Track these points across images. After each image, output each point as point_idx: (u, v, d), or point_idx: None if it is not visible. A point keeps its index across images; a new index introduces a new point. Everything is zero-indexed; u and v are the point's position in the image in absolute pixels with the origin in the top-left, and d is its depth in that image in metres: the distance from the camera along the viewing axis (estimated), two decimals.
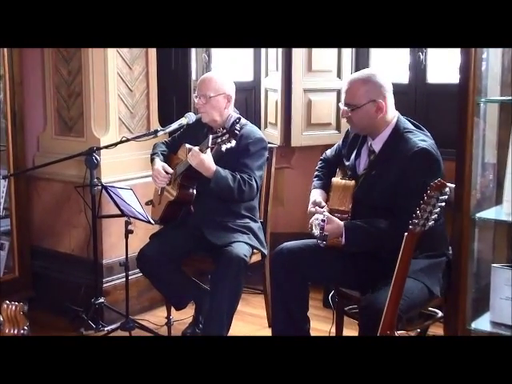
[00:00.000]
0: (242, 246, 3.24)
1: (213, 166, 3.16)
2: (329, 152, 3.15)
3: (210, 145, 3.04)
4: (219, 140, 3.03)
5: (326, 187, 2.98)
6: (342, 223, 2.71)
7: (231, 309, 3.23)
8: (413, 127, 2.80)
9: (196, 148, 3.15)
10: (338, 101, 4.36)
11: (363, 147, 2.90)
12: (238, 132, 3.02)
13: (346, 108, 2.79)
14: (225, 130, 3.03)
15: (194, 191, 3.33)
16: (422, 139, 2.71)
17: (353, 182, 2.83)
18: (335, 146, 3.11)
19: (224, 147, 3.03)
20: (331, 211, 2.81)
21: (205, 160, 3.13)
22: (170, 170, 3.39)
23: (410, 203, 2.29)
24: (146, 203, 3.51)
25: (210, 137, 3.05)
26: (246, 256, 3.20)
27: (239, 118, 3.10)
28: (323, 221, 2.65)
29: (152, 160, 3.52)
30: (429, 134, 2.80)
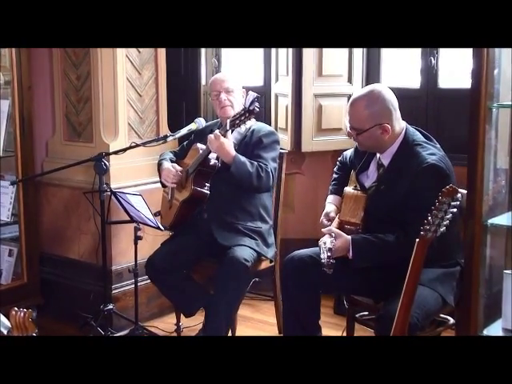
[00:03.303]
0: (245, 250, 3.25)
1: (232, 151, 3.18)
2: (347, 154, 3.13)
3: (228, 128, 3.08)
4: (238, 121, 3.06)
5: (343, 191, 2.96)
6: (349, 238, 2.70)
7: (229, 312, 3.24)
8: (422, 138, 2.78)
9: (217, 131, 3.18)
10: None
11: (372, 159, 2.90)
12: (257, 109, 3.04)
13: (350, 130, 2.78)
14: (243, 111, 3.06)
15: (208, 189, 3.34)
16: (432, 153, 2.68)
17: (364, 194, 2.82)
18: (353, 150, 3.07)
19: (243, 127, 3.07)
20: (342, 222, 2.82)
21: (225, 143, 3.15)
22: (179, 168, 3.42)
23: (419, 219, 2.28)
24: (154, 214, 3.52)
25: (228, 120, 3.09)
26: (246, 260, 3.19)
27: (258, 97, 3.12)
28: (330, 250, 2.61)
29: (160, 165, 3.54)
30: (438, 145, 2.78)
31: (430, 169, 2.62)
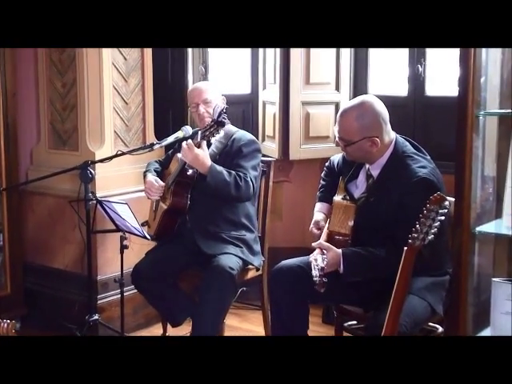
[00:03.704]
0: (229, 259, 3.23)
1: (208, 161, 3.18)
2: (334, 159, 3.11)
3: (199, 139, 3.09)
4: (207, 132, 3.09)
5: (332, 198, 2.94)
6: (339, 252, 2.69)
7: (215, 322, 3.22)
8: (412, 150, 2.76)
9: (190, 141, 3.18)
10: (337, 113, 4.35)
11: (361, 169, 2.89)
12: (225, 121, 3.06)
13: (339, 141, 2.77)
14: (212, 122, 3.08)
15: (188, 200, 3.34)
16: (422, 165, 2.68)
17: (353, 205, 2.80)
18: (341, 155, 3.04)
19: (213, 139, 3.11)
20: (331, 233, 2.81)
21: (199, 154, 3.15)
22: (162, 183, 3.42)
23: (409, 233, 2.26)
24: (142, 224, 3.51)
25: (199, 131, 3.11)
26: (232, 269, 3.17)
27: (226, 108, 3.13)
28: (322, 269, 2.57)
29: (144, 177, 3.55)
30: (428, 156, 2.77)
31: (420, 182, 2.61)
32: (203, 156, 3.16)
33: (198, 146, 3.15)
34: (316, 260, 2.62)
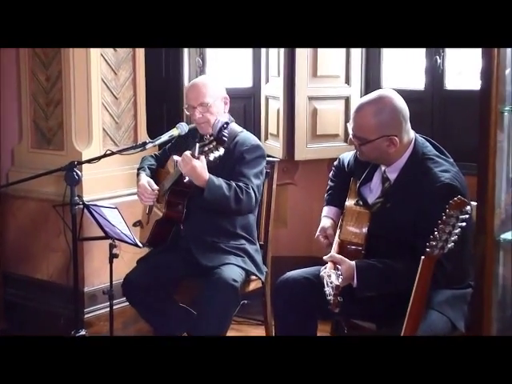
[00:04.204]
0: (232, 270, 3.24)
1: (206, 174, 3.17)
2: (344, 158, 3.09)
3: (196, 154, 3.08)
4: (206, 148, 3.06)
5: (341, 202, 2.94)
6: (353, 264, 2.67)
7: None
8: (433, 151, 2.75)
9: (187, 152, 3.17)
10: (347, 109, 4.39)
11: (376, 171, 2.87)
12: (225, 138, 3.05)
13: (353, 139, 2.75)
14: (212, 137, 3.07)
15: (184, 208, 3.35)
16: (445, 169, 2.67)
17: (367, 211, 2.79)
18: (352, 153, 3.03)
19: (212, 156, 3.06)
20: (343, 243, 2.79)
21: (197, 167, 3.14)
22: (155, 187, 3.42)
23: None
24: (134, 224, 3.52)
25: (197, 145, 3.09)
26: (235, 281, 3.18)
27: (227, 123, 3.12)
28: (337, 287, 2.51)
29: (138, 175, 3.54)
30: (451, 159, 2.76)
31: (443, 188, 2.59)
32: (201, 168, 3.15)
33: (197, 157, 3.13)
34: (329, 276, 2.59)
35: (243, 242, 3.42)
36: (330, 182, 3.12)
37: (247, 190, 3.26)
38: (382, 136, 2.69)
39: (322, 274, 2.67)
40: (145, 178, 3.47)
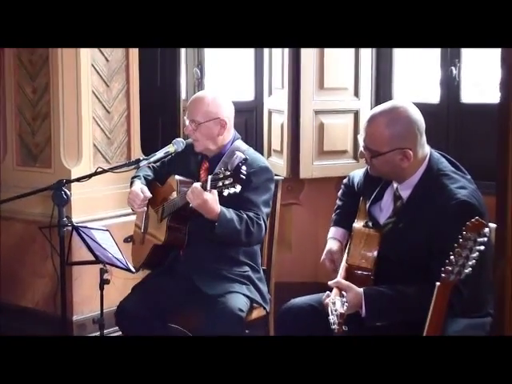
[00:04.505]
0: (238, 298, 3.22)
1: (217, 208, 3.12)
2: (354, 176, 3.09)
3: (209, 187, 3.02)
4: (220, 183, 2.98)
5: (349, 223, 2.92)
6: (361, 291, 2.65)
7: None
8: (449, 167, 2.74)
9: (197, 184, 3.12)
10: (356, 124, 4.39)
11: (387, 188, 2.86)
12: (243, 176, 2.97)
13: (364, 151, 2.73)
14: (228, 173, 2.99)
15: (186, 235, 3.32)
16: (461, 186, 2.65)
17: (377, 233, 2.77)
18: (363, 170, 3.02)
19: (227, 192, 2.99)
20: (351, 268, 2.77)
21: (208, 200, 3.09)
22: (148, 194, 3.39)
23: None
24: (125, 240, 3.50)
25: (210, 178, 3.02)
26: (241, 311, 3.16)
27: (245, 159, 3.03)
28: (342, 315, 2.48)
29: (131, 184, 3.51)
30: (468, 175, 2.74)
31: (459, 206, 2.57)
32: (212, 202, 3.09)
33: (206, 189, 3.05)
34: (334, 304, 2.56)
35: (247, 268, 3.40)
36: (338, 201, 3.12)
37: (258, 221, 3.23)
38: (395, 149, 2.67)
39: (326, 301, 2.64)
40: (138, 185, 3.44)
